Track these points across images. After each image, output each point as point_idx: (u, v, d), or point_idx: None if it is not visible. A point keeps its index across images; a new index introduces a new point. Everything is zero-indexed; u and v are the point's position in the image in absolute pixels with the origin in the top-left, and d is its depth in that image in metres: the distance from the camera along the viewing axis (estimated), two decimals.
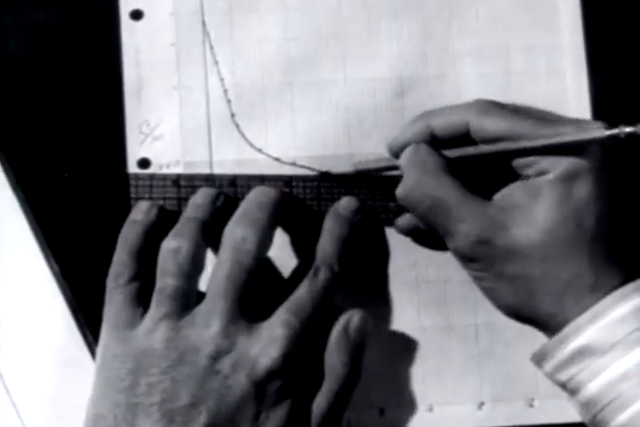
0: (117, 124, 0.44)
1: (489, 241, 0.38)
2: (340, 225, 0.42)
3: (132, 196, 0.44)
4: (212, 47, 0.44)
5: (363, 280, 0.44)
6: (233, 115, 0.44)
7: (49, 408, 0.43)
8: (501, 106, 0.40)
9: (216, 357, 0.38)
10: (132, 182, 0.44)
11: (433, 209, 0.39)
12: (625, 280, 0.38)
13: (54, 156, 0.44)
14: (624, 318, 0.37)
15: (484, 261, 0.39)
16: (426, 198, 0.40)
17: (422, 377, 0.44)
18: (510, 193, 0.39)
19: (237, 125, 0.44)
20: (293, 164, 0.44)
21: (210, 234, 0.41)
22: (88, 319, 0.43)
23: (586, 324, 0.37)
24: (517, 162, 0.39)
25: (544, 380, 0.40)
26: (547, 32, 0.44)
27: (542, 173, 0.39)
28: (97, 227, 0.44)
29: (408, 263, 0.44)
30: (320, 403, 0.39)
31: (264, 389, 0.38)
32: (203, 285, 0.41)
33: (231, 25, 0.44)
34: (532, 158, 0.39)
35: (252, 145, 0.44)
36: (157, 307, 0.40)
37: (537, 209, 0.38)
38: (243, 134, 0.44)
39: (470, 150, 0.40)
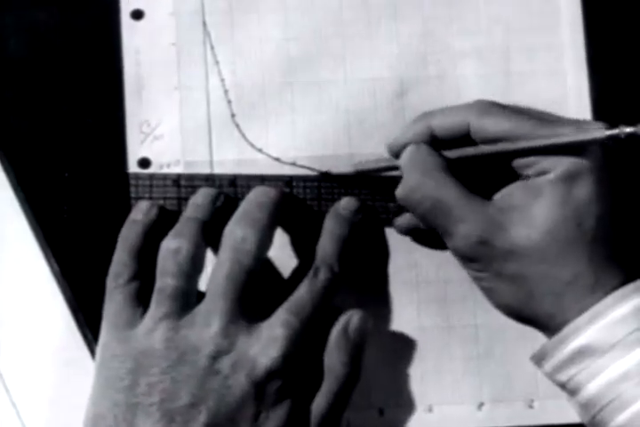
0: (118, 124, 0.44)
1: (489, 241, 0.38)
2: (340, 225, 0.42)
3: (132, 195, 0.44)
4: (212, 47, 0.44)
5: (363, 280, 0.44)
6: (233, 115, 0.44)
7: (49, 408, 0.43)
8: (502, 106, 0.40)
9: (216, 357, 0.38)
10: (133, 182, 0.44)
11: (433, 209, 0.39)
12: (625, 280, 0.38)
13: (54, 156, 0.44)
14: (624, 319, 0.37)
15: (484, 261, 0.39)
16: (426, 199, 0.40)
17: (422, 377, 0.44)
18: (510, 193, 0.39)
19: (238, 125, 0.44)
20: (293, 164, 0.44)
21: (210, 234, 0.41)
22: (88, 319, 0.43)
23: (586, 324, 0.37)
24: (518, 162, 0.39)
25: (544, 380, 0.40)
26: (547, 32, 0.44)
27: (542, 173, 0.39)
28: (97, 227, 0.44)
29: (408, 263, 0.44)
30: (320, 403, 0.39)
31: (264, 389, 0.38)
32: (203, 285, 0.41)
33: (232, 25, 0.44)
34: (532, 158, 0.39)
35: (252, 145, 0.44)
36: (157, 307, 0.40)
37: (537, 209, 0.38)
38: (243, 134, 0.44)
39: (470, 151, 0.40)
